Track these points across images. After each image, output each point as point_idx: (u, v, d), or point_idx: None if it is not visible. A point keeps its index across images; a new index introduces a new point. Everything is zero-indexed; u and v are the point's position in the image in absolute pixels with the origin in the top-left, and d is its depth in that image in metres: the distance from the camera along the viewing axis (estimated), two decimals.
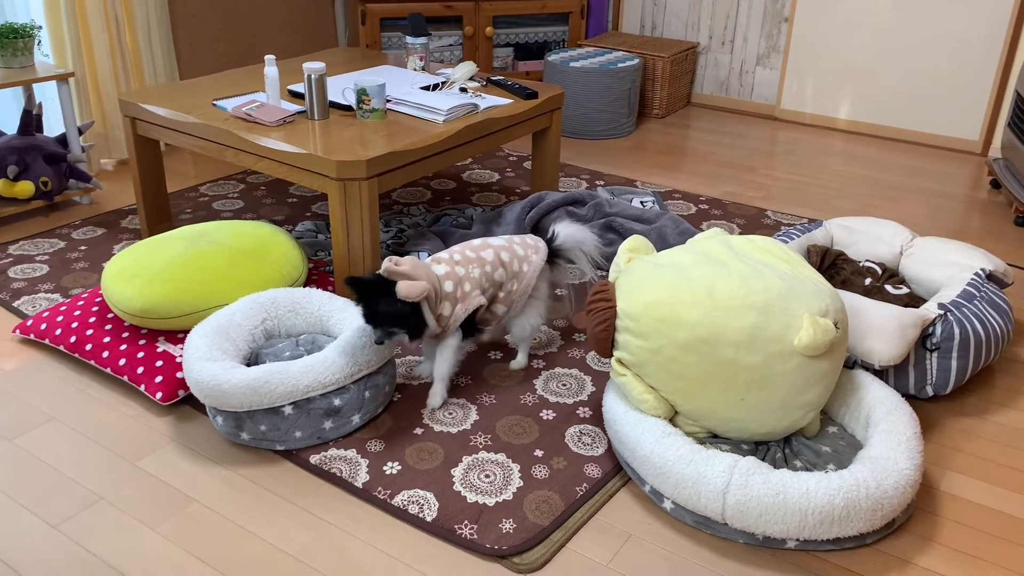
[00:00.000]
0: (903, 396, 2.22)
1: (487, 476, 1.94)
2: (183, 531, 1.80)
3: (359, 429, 2.09)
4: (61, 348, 2.35)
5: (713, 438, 1.94)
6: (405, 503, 1.86)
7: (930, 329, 2.16)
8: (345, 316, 2.25)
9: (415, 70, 3.22)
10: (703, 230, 2.82)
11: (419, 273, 2.02)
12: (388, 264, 2.01)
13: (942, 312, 2.17)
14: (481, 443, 2.05)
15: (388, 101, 2.83)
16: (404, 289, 1.96)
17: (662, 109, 4.61)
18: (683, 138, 4.33)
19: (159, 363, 2.20)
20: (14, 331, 2.46)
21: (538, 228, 2.99)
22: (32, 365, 2.35)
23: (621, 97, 4.22)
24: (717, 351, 1.79)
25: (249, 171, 3.75)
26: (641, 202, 3.31)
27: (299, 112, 2.73)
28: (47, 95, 3.54)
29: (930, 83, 4.15)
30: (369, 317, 2.00)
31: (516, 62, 4.70)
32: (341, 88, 2.92)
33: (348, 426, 2.06)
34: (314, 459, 1.99)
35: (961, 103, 4.11)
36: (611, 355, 1.97)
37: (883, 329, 2.07)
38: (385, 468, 1.96)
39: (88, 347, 2.30)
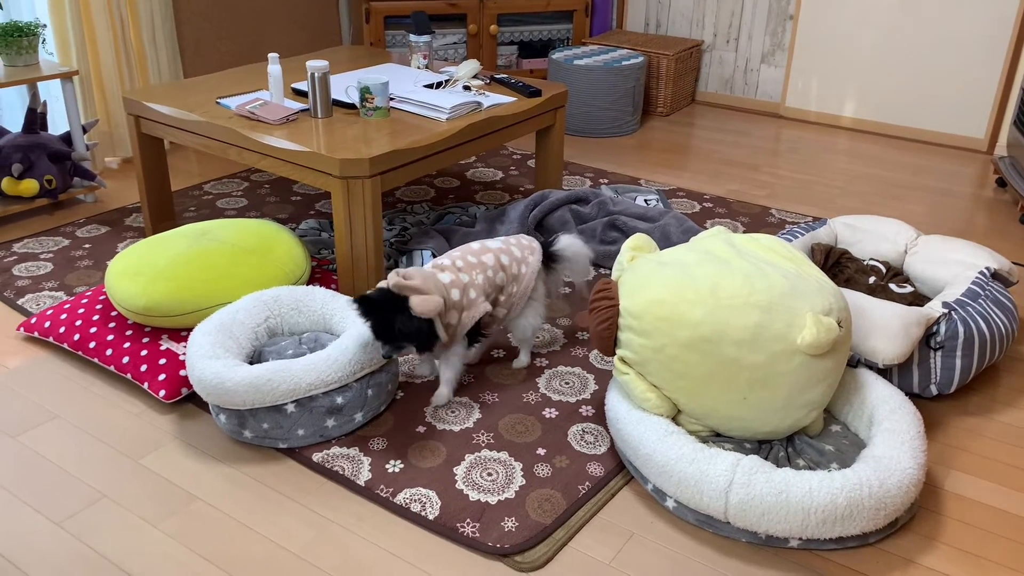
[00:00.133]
0: (907, 395, 2.21)
1: (489, 474, 1.94)
2: (186, 529, 1.80)
3: (361, 427, 2.09)
4: (65, 346, 2.36)
5: (716, 437, 1.94)
6: (407, 501, 1.86)
7: (934, 328, 2.15)
8: (348, 314, 2.25)
9: (419, 68, 3.22)
10: (707, 228, 2.82)
11: (429, 286, 1.97)
12: (397, 279, 1.96)
13: (946, 311, 2.17)
14: (483, 441, 2.05)
15: (391, 99, 2.83)
16: (419, 306, 1.92)
17: (666, 107, 4.60)
18: (687, 136, 4.32)
19: (162, 361, 2.20)
20: (18, 329, 2.47)
21: (542, 226, 2.99)
22: (36, 363, 2.36)
23: (625, 95, 4.21)
24: (720, 350, 1.79)
25: (253, 169, 3.75)
26: (645, 200, 3.30)
27: (302, 110, 2.73)
28: (52, 93, 3.55)
29: (935, 81, 4.14)
30: (381, 334, 1.96)
31: (520, 60, 4.70)
32: (344, 86, 2.92)
33: (351, 424, 2.06)
34: (316, 457, 1.99)
35: (967, 101, 4.09)
36: (614, 353, 1.97)
37: (887, 328, 2.06)
38: (387, 466, 1.96)
39: (92, 345, 2.30)
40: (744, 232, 2.71)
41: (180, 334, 2.32)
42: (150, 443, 2.06)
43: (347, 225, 2.46)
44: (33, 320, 2.45)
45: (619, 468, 1.97)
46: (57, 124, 3.58)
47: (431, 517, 1.81)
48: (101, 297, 2.47)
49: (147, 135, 2.93)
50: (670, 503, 1.83)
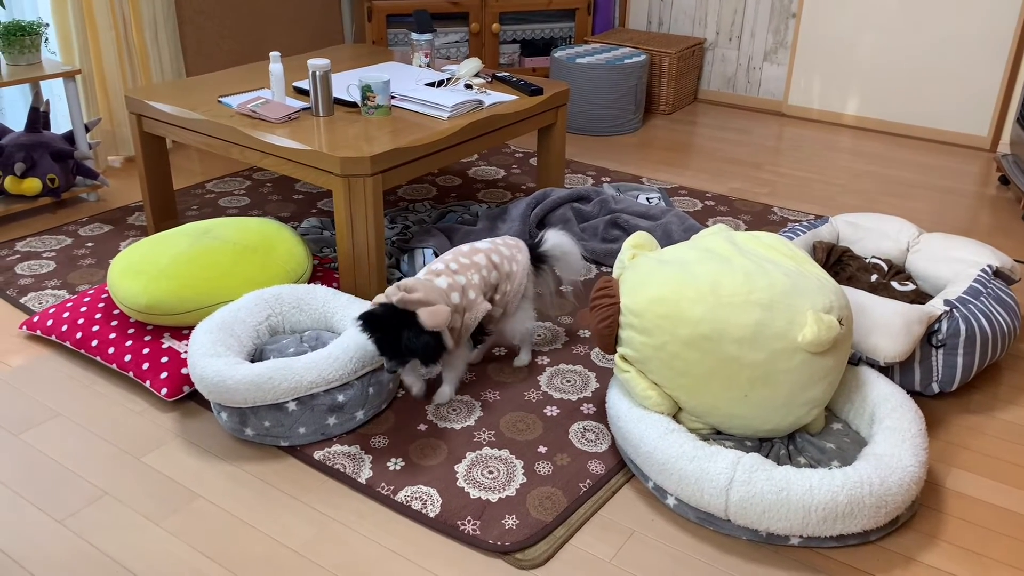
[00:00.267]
0: (908, 393, 2.21)
1: (490, 472, 1.94)
2: (187, 526, 1.80)
3: (363, 425, 2.09)
4: (67, 344, 2.36)
5: (717, 435, 1.94)
6: (408, 499, 1.86)
7: (936, 326, 2.15)
8: (349, 313, 2.25)
9: (420, 66, 3.22)
10: (709, 226, 2.82)
11: (433, 296, 1.95)
12: (400, 293, 1.93)
13: (948, 308, 2.16)
14: (485, 439, 2.05)
15: (393, 97, 2.83)
16: (430, 319, 1.89)
17: (669, 105, 4.60)
18: (690, 134, 4.32)
19: (164, 359, 2.21)
20: (21, 327, 2.47)
21: (543, 224, 2.99)
22: (38, 361, 2.36)
23: (627, 93, 4.21)
24: (720, 348, 1.79)
25: (255, 168, 3.75)
26: (647, 198, 3.30)
27: (304, 109, 2.73)
28: (54, 92, 3.55)
29: (938, 79, 4.13)
30: (389, 351, 1.93)
31: (522, 58, 4.70)
32: (346, 84, 2.92)
33: (352, 422, 2.06)
34: (318, 455, 1.99)
35: (969, 99, 4.08)
36: (615, 351, 1.97)
37: (888, 325, 2.06)
38: (388, 464, 1.96)
39: (94, 343, 2.31)
40: (746, 230, 2.71)
41: (182, 332, 2.32)
42: (152, 441, 2.06)
43: (348, 223, 2.46)
44: (35, 318, 2.46)
45: (620, 466, 1.97)
46: (60, 123, 3.59)
47: (432, 515, 1.82)
48: (103, 295, 2.47)
49: (149, 134, 2.93)
50: (671, 501, 1.83)
